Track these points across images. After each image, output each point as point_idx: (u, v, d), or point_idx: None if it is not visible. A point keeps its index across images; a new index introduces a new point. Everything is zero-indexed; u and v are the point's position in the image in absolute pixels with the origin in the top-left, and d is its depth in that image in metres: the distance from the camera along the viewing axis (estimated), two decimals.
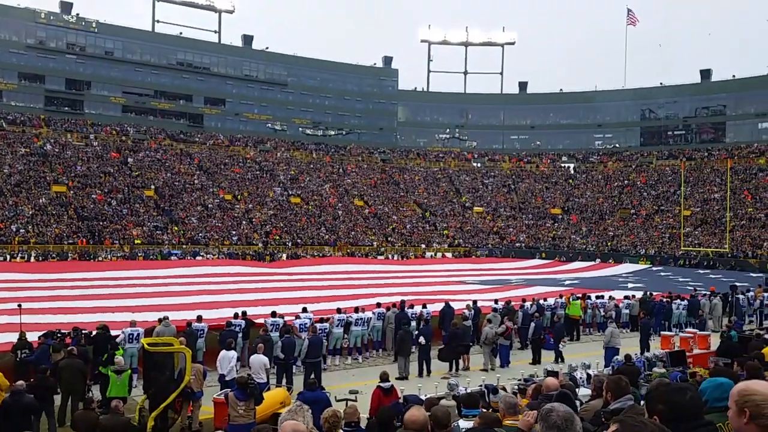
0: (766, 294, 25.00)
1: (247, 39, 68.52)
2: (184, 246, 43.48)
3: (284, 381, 13.18)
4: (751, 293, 24.91)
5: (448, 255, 50.16)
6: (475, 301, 19.28)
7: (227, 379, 11.76)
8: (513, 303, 19.71)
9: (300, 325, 15.05)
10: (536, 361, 16.57)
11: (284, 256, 44.41)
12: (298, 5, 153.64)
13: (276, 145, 64.91)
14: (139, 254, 39.77)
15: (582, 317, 20.85)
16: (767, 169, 54.69)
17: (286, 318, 15.50)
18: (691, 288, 26.50)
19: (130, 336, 13.52)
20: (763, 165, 55.54)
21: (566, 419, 2.83)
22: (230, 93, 66.91)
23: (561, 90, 73.42)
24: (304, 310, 16.80)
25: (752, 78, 61.52)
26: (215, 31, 67.50)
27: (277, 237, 48.90)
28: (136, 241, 42.65)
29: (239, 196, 53.57)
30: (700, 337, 16.16)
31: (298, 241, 49.11)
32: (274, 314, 15.59)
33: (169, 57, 64.54)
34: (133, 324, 13.93)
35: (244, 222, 49.85)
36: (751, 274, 36.17)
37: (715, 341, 15.76)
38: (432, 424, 4.58)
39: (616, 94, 68.82)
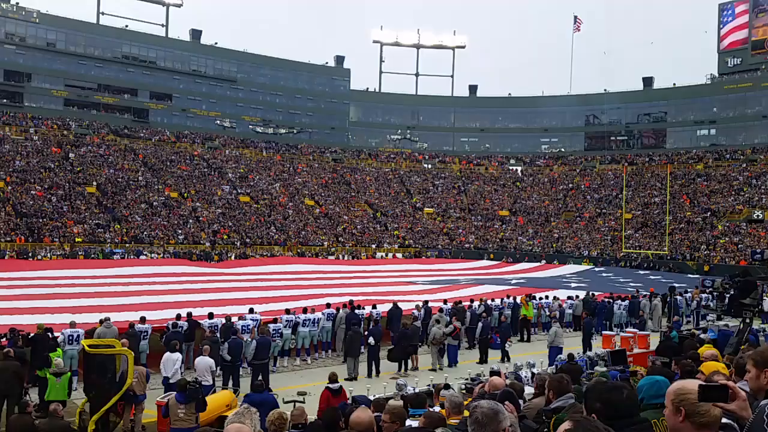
0: (703, 295, 26.08)
1: (196, 33, 67.17)
2: (127, 245, 42.29)
3: (231, 383, 12.99)
4: (689, 294, 25.93)
5: (399, 255, 50.42)
6: (426, 302, 19.45)
7: (171, 381, 11.51)
8: (462, 303, 19.96)
9: (243, 326, 14.84)
10: (483, 360, 16.84)
11: (232, 255, 43.73)
12: (249, 1, 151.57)
13: (225, 143, 63.88)
14: (80, 253, 38.45)
15: (532, 318, 21.32)
16: (705, 175, 57.08)
17: (233, 319, 15.26)
18: (632, 289, 27.42)
19: (70, 337, 13.08)
20: (701, 171, 57.94)
21: (488, 415, 2.93)
22: (177, 88, 65.44)
23: (510, 94, 74.88)
24: (251, 311, 16.60)
25: (692, 86, 64.12)
26: (162, 25, 65.92)
27: (226, 236, 48.11)
28: (76, 240, 41.24)
29: (186, 194, 52.46)
30: (640, 336, 16.74)
31: (247, 240, 48.45)
32: (211, 315, 15.36)
33: (114, 50, 62.65)
34: (72, 325, 13.47)
35: (190, 221, 48.84)
36: (689, 276, 37.64)
37: (654, 341, 16.38)
38: (389, 420, 4.66)
39: (562, 100, 70.54)
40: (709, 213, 51.42)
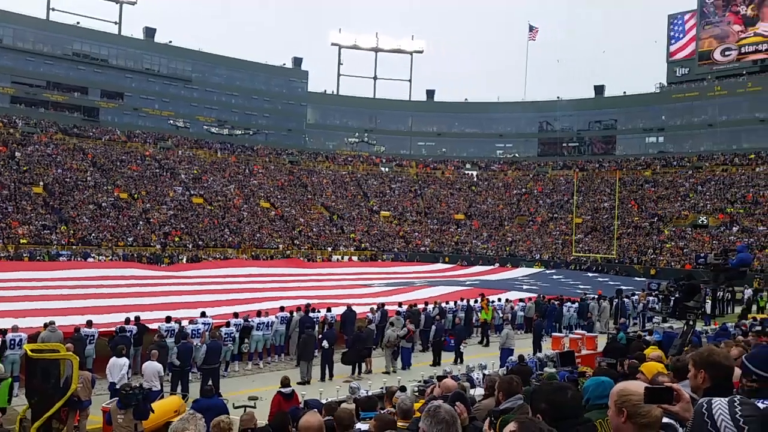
0: (649, 298, 26.85)
1: (150, 32, 65.72)
2: (74, 246, 41.01)
3: (179, 388, 12.72)
4: (636, 297, 26.67)
5: (355, 258, 50.36)
6: (381, 305, 19.46)
7: (117, 387, 11.19)
8: (417, 306, 20.05)
9: (193, 330, 14.55)
10: (436, 362, 16.95)
11: (184, 258, 42.88)
12: (206, 1, 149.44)
13: (178, 143, 62.66)
14: (25, 255, 37.09)
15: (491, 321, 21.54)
16: (653, 181, 58.88)
17: (183, 323, 14.95)
18: (581, 291, 28.04)
19: (12, 342, 12.59)
20: (649, 177, 59.75)
21: (452, 415, 2.98)
22: (129, 87, 63.88)
23: (466, 99, 75.76)
24: (203, 314, 16.29)
25: (641, 95, 66.09)
26: (115, 23, 64.29)
27: (177, 238, 47.16)
28: (21, 241, 39.76)
29: (136, 195, 51.20)
30: (588, 338, 17.14)
31: (200, 243, 47.60)
32: (168, 319, 15.02)
33: (65, 47, 60.76)
34: (15, 329, 12.97)
35: (141, 222, 47.68)
36: (636, 279, 38.71)
37: (602, 342, 16.77)
38: (336, 425, 4.65)
39: (517, 106, 71.74)
40: (656, 218, 53.07)
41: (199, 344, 13.73)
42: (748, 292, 30.95)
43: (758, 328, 14.32)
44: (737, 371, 3.44)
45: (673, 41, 64.11)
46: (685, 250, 45.93)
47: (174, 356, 12.94)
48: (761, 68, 57.98)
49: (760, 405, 2.32)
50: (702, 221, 49.79)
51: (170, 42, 66.87)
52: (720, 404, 2.18)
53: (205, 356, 13.12)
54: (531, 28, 71.56)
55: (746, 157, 56.09)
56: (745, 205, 50.03)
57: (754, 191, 51.26)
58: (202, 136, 65.57)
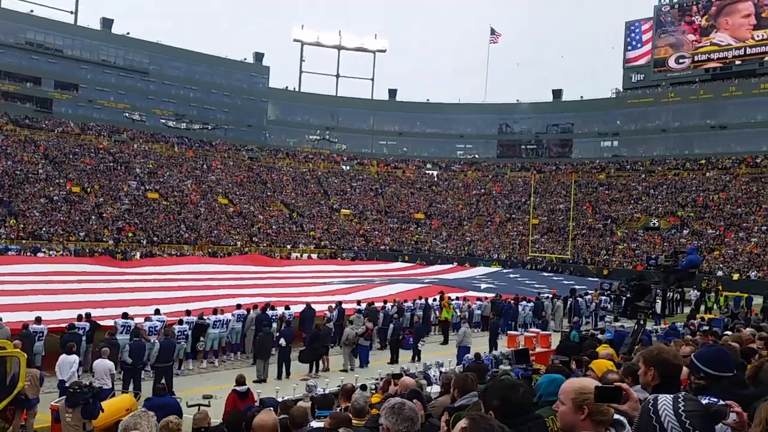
0: (602, 297, 27.49)
1: (107, 22, 64.03)
2: (23, 241, 39.69)
3: (131, 387, 12.46)
4: (589, 296, 27.29)
5: (314, 256, 50.10)
6: (339, 303, 19.43)
7: (67, 385, 10.90)
8: (376, 305, 20.08)
9: (149, 327, 14.28)
10: (394, 360, 17.01)
11: (138, 254, 41.92)
12: None
13: (133, 136, 61.25)
14: None
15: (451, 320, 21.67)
16: (607, 184, 60.31)
17: (136, 320, 14.64)
18: (537, 290, 28.53)
19: None
20: (603, 180, 61.18)
21: (415, 412, 3.08)
22: (84, 78, 62.11)
23: (428, 100, 76.23)
24: (157, 311, 15.98)
25: (597, 100, 67.62)
26: (71, 12, 62.49)
27: (131, 234, 46.12)
28: None
29: (89, 189, 49.86)
30: (542, 336, 17.47)
31: (155, 239, 46.65)
32: (125, 315, 14.70)
33: (17, 35, 58.68)
34: None
35: (93, 217, 46.46)
36: (589, 279, 39.58)
37: (556, 340, 17.11)
38: (289, 423, 4.64)
39: (477, 108, 72.53)
40: (609, 220, 54.39)
41: (154, 342, 13.48)
42: (694, 293, 31.96)
43: (706, 327, 14.81)
44: (685, 369, 3.56)
45: (629, 48, 65.79)
46: (636, 252, 47.20)
47: (126, 354, 12.67)
48: (713, 76, 60.01)
49: (705, 401, 2.41)
50: (654, 224, 51.25)
51: (128, 33, 65.37)
52: (665, 400, 2.26)
53: (158, 354, 12.89)
54: (492, 32, 72.44)
55: (697, 162, 57.98)
56: (695, 209, 51.71)
57: (704, 195, 53.04)
58: (158, 130, 64.24)
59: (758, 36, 57.15)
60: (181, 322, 15.13)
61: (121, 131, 60.79)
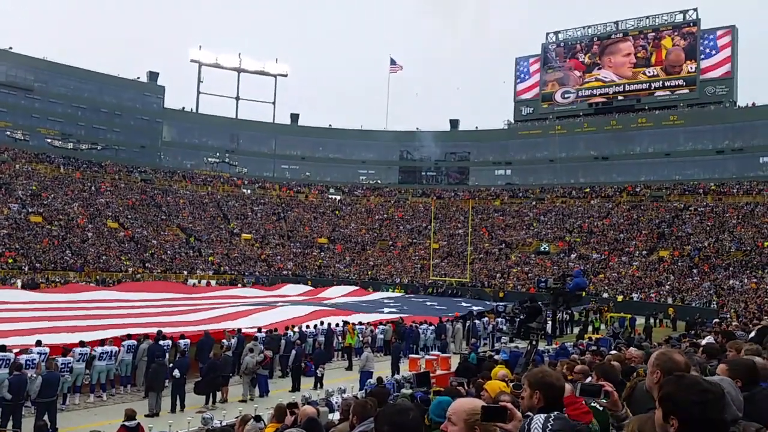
0: (498, 319, 28.49)
1: None
2: None
3: (11, 424, 11.44)
4: (486, 318, 28.18)
5: (213, 282, 48.46)
6: (239, 329, 18.87)
7: None
8: (277, 331, 19.66)
9: (27, 360, 13.20)
10: (296, 388, 16.69)
11: (18, 282, 38.86)
12: (53, 7, 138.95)
13: (15, 156, 57.12)
14: None
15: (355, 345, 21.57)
16: (501, 210, 62.93)
17: (15, 352, 13.50)
18: (437, 312, 29.10)
19: None
20: (498, 206, 63.81)
21: None
22: None
23: (330, 125, 76.54)
24: (39, 343, 14.82)
25: (491, 131, 70.73)
26: None
27: (11, 260, 42.74)
28: None
29: None
30: (443, 358, 17.80)
31: (38, 265, 43.48)
32: (3, 348, 13.51)
33: None
34: None
35: None
36: (486, 302, 40.85)
37: (455, 362, 17.48)
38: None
39: (379, 135, 73.78)
40: (504, 245, 56.67)
41: (34, 375, 12.45)
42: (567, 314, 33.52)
43: (594, 347, 15.67)
44: (568, 388, 3.74)
45: (519, 82, 69.61)
46: (529, 275, 49.37)
47: (5, 389, 11.63)
48: (596, 111, 64.56)
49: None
50: (544, 248, 53.94)
51: (10, 48, 61.23)
52: (537, 419, 2.46)
53: (40, 389, 11.94)
54: (393, 62, 74.29)
55: (582, 191, 61.83)
56: (581, 234, 54.97)
57: (589, 222, 56.53)
58: (43, 150, 60.31)
59: (637, 74, 62.35)
60: (63, 353, 14.10)
61: (2, 151, 56.52)
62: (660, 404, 2.33)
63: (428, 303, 37.47)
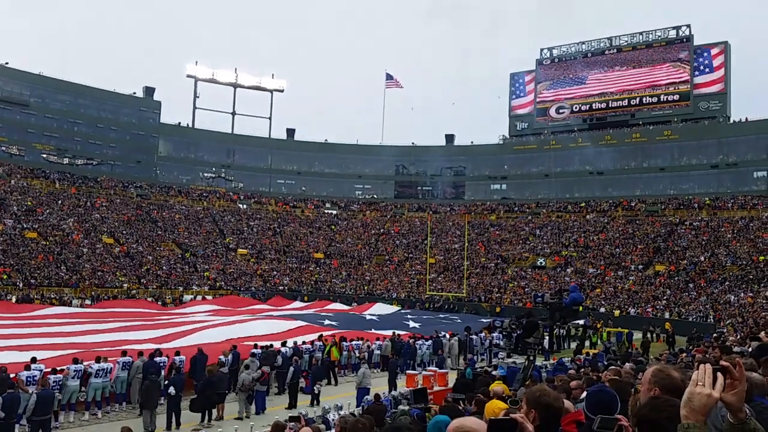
0: (494, 334, 28.38)
1: None
2: None
3: None
4: (482, 334, 28.07)
5: (209, 298, 48.24)
6: (234, 347, 18.75)
7: None
8: (273, 347, 19.53)
9: (27, 377, 13.11)
10: (292, 405, 16.57)
11: (13, 298, 38.66)
12: (49, 23, 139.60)
13: (10, 171, 57.03)
14: None
15: (339, 360, 21.46)
16: (497, 225, 63.00)
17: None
18: (433, 329, 28.87)
19: None
20: (494, 221, 63.89)
21: None
22: None
23: (326, 140, 76.73)
24: (34, 360, 14.72)
25: (486, 145, 70.99)
26: None
27: (6, 276, 42.51)
28: None
29: None
30: (440, 374, 17.72)
31: (32, 281, 43.26)
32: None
33: None
34: None
35: None
36: (482, 320, 40.71)
37: (453, 378, 17.40)
38: None
39: (375, 149, 73.92)
40: (500, 259, 56.66)
41: (32, 393, 12.35)
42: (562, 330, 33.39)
43: (590, 362, 15.64)
44: (568, 404, 3.74)
45: (514, 97, 70.05)
46: (526, 290, 49.34)
47: None
48: (590, 126, 64.92)
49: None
50: (540, 263, 53.93)
51: (6, 63, 61.40)
52: None
53: (35, 406, 11.82)
54: (388, 77, 74.63)
55: (578, 205, 61.98)
56: (577, 249, 55.02)
57: (585, 236, 56.62)
58: (38, 165, 60.27)
59: (631, 90, 62.81)
60: (54, 371, 13.97)
61: None
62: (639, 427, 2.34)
63: (425, 316, 37.18)
